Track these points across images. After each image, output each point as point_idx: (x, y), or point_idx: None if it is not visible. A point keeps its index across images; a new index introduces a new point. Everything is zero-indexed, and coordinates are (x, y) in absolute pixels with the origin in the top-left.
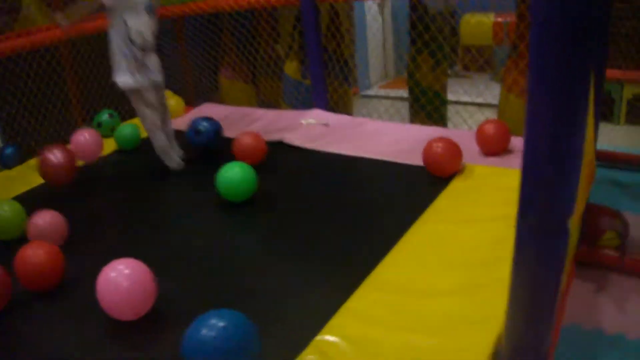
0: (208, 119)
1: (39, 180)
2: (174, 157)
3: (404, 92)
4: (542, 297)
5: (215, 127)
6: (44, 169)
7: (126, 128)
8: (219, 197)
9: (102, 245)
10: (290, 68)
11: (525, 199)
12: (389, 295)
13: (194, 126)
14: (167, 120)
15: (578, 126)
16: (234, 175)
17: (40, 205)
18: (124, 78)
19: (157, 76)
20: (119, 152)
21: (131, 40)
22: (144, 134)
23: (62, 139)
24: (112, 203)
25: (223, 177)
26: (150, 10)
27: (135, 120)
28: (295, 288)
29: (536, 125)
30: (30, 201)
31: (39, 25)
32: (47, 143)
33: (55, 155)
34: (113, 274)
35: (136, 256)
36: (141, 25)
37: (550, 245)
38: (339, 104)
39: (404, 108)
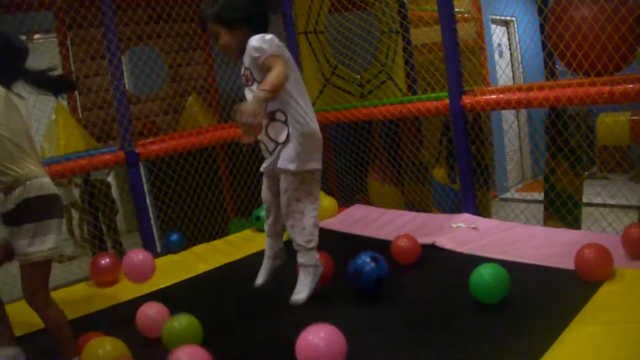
0: (374, 258)
1: (201, 268)
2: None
3: (540, 195)
4: None
5: (378, 272)
6: None
7: None
8: None
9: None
10: (439, 174)
11: None
12: None
13: (356, 264)
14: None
15: None
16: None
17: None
18: None
19: (275, 164)
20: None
21: None
22: None
23: (216, 233)
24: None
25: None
26: (244, 83)
27: None
28: None
29: None
30: (191, 285)
31: (200, 125)
32: (202, 233)
33: None
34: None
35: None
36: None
37: None
38: (478, 207)
39: (541, 211)
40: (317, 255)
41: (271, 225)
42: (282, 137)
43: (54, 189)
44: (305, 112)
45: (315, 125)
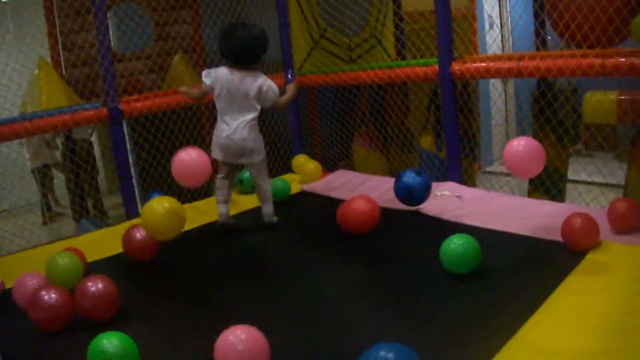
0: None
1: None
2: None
3: None
4: None
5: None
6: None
7: (277, 182)
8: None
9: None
10: (426, 141)
11: None
12: (534, 357)
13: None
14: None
15: None
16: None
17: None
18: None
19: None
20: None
21: None
22: (294, 189)
23: (197, 194)
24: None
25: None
26: None
27: (286, 176)
28: (436, 348)
29: None
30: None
31: (185, 84)
32: (183, 194)
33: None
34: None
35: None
36: None
37: None
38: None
39: (525, 184)
40: None
41: None
42: None
43: None
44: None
45: (219, 130)
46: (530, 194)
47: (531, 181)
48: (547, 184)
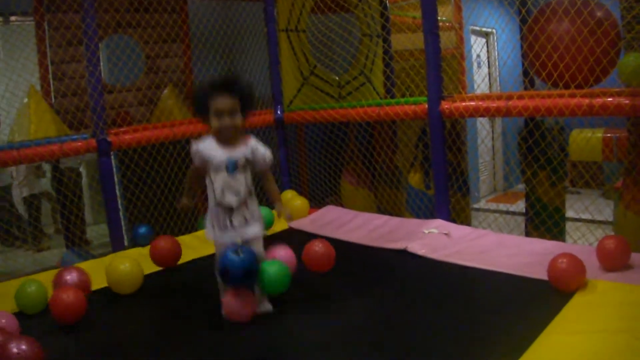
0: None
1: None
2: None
3: (511, 206)
4: None
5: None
6: None
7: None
8: None
9: None
10: (414, 179)
11: None
12: None
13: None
14: None
15: None
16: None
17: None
18: (206, 231)
19: (242, 235)
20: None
21: (215, 198)
22: (283, 226)
23: (185, 228)
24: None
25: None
26: (231, 169)
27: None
28: None
29: None
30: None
31: (175, 118)
32: (170, 228)
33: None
34: None
35: None
36: (221, 183)
37: None
38: (460, 216)
39: (512, 221)
40: None
41: None
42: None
43: None
44: None
45: None
46: (529, 234)
47: (531, 220)
48: (548, 224)
